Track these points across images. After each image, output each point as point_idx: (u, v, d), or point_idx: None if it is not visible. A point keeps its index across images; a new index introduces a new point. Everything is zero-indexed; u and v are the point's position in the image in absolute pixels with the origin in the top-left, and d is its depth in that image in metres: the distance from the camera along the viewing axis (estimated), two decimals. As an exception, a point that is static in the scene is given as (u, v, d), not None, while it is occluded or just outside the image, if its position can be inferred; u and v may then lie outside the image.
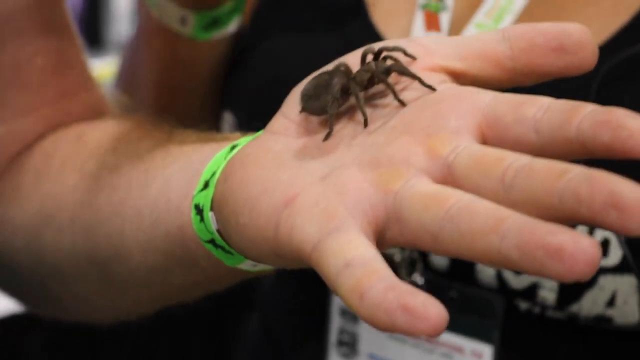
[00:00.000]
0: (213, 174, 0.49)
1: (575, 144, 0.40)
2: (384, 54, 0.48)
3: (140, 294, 0.64)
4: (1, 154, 0.69)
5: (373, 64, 0.47)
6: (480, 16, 0.70)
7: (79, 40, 0.72)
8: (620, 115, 0.39)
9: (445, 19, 0.71)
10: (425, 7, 0.71)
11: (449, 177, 0.41)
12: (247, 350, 0.85)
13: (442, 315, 0.37)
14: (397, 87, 0.46)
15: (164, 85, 0.80)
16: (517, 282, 0.68)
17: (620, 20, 0.67)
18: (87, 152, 0.65)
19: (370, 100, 0.47)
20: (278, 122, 0.48)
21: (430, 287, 0.70)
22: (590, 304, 0.67)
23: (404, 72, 0.46)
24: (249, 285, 0.82)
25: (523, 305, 0.68)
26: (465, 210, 0.39)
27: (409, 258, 0.69)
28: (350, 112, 0.47)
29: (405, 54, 0.47)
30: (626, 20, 0.67)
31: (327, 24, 0.74)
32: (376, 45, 0.48)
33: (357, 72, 0.47)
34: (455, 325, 0.70)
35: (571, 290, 0.67)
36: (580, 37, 0.44)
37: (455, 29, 0.71)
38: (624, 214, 0.36)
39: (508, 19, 0.69)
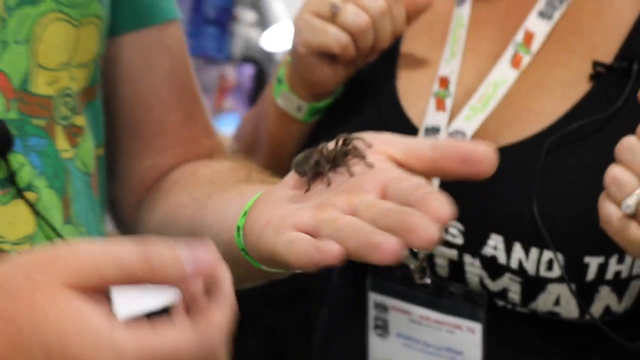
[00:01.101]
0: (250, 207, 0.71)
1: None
2: (350, 141, 0.67)
3: None
4: (149, 178, 0.92)
5: (338, 147, 0.67)
6: (473, 101, 0.91)
7: (203, 101, 0.94)
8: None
9: (449, 102, 0.92)
10: (436, 94, 0.94)
11: (354, 213, 0.61)
12: (322, 328, 1.08)
13: (337, 248, 0.58)
14: (352, 162, 0.66)
15: (272, 150, 1.04)
16: (493, 286, 0.89)
17: (568, 104, 0.89)
18: (196, 182, 0.87)
19: (335, 168, 0.67)
20: (288, 176, 0.70)
21: (435, 286, 0.91)
22: (543, 303, 0.88)
23: (356, 154, 0.66)
24: (323, 287, 1.07)
25: (499, 302, 0.90)
26: (345, 226, 0.60)
27: (421, 266, 0.91)
28: (323, 175, 0.68)
29: (364, 142, 0.66)
30: (571, 105, 0.89)
31: (369, 108, 0.97)
32: (349, 135, 0.67)
33: (329, 151, 0.67)
34: (456, 310, 0.91)
35: (530, 294, 0.88)
36: (482, 154, 0.62)
37: (456, 109, 0.92)
38: (413, 235, 0.56)
39: (492, 104, 0.91)
